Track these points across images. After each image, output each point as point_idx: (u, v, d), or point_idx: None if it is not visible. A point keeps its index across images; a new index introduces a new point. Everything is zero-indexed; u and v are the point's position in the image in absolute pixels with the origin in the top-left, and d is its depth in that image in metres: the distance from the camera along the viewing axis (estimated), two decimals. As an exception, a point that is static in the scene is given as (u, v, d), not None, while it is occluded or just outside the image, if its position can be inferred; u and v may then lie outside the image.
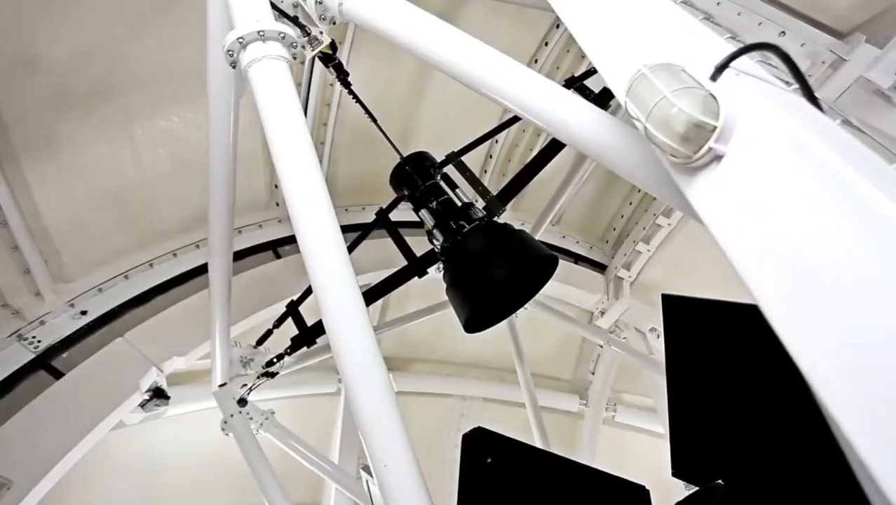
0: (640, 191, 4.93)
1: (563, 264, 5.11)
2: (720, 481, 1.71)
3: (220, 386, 3.22)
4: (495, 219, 2.63)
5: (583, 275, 5.09)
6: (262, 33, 1.65)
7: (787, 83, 0.98)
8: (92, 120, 3.04)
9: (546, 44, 4.19)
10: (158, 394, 3.34)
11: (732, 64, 0.88)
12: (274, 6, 1.87)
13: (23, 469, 2.52)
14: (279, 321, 3.27)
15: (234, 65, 1.70)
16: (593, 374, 5.29)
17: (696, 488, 1.76)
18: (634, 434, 5.27)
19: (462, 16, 3.85)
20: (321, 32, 1.99)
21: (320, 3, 1.94)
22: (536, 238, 2.94)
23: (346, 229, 3.03)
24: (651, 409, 5.14)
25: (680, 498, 1.84)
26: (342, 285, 1.41)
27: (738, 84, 0.84)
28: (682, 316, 1.96)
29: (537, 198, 4.19)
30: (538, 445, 4.02)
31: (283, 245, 4.12)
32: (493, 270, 2.29)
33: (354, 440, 4.32)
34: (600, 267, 5.23)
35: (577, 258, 5.21)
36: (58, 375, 2.98)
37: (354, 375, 1.34)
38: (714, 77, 0.88)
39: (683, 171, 0.90)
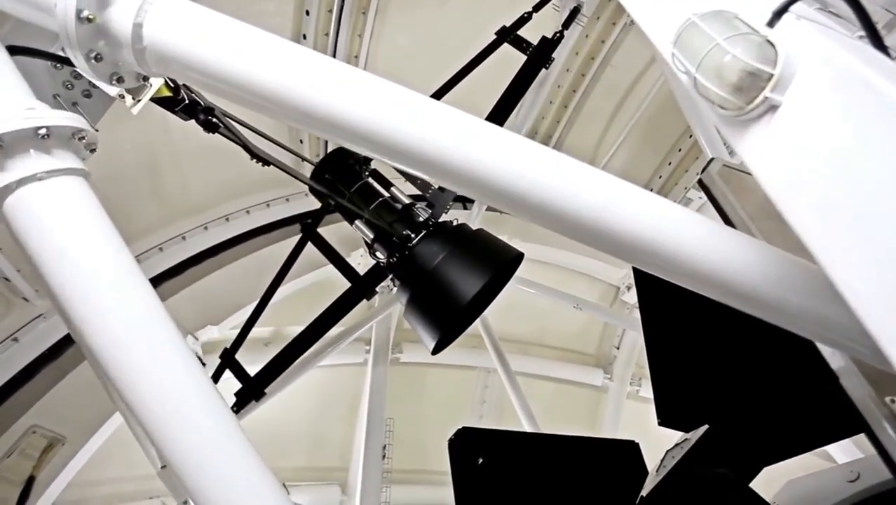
0: (670, 163, 4.77)
1: (589, 239, 5.05)
2: (706, 426, 1.74)
3: (163, 467, 2.25)
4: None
5: (609, 249, 5.02)
6: None
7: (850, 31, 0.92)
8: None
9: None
10: (194, 361, 3.48)
11: (792, 8, 0.83)
12: (36, 53, 1.14)
13: (75, 427, 2.70)
14: (215, 376, 2.59)
15: None
16: (618, 348, 5.27)
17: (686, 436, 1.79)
18: (659, 409, 5.26)
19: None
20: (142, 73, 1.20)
21: (99, 60, 1.13)
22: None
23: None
24: (676, 385, 5.11)
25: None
26: None
27: (800, 29, 0.79)
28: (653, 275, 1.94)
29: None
30: (522, 420, 4.08)
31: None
32: (460, 291, 1.95)
33: (381, 414, 4.43)
34: (627, 241, 5.13)
35: (604, 232, 5.12)
36: (101, 341, 3.13)
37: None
38: (771, 23, 0.83)
39: (733, 123, 0.85)
